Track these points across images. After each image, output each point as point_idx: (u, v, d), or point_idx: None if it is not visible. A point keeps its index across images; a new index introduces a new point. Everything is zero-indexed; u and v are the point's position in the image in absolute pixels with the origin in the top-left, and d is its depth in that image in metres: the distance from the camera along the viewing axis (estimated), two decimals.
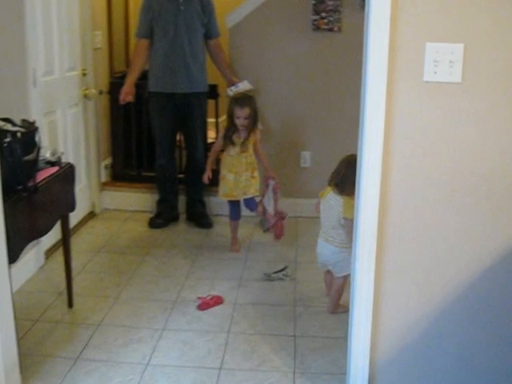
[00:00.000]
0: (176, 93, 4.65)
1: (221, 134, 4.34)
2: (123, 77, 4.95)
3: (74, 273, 3.60)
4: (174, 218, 5.00)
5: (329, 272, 3.60)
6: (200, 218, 4.95)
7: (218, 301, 3.62)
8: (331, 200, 3.39)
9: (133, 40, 5.32)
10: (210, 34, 4.72)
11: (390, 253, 2.45)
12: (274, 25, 4.89)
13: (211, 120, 5.23)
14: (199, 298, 3.64)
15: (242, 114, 4.17)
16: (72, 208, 3.35)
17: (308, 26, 4.86)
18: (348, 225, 3.18)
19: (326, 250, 3.47)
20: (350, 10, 4.82)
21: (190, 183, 5.00)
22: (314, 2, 4.79)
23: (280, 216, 4.38)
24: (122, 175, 5.36)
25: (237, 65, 4.97)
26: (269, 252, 4.43)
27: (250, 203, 4.40)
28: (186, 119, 4.78)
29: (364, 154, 2.37)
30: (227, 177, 4.30)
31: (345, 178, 3.27)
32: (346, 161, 3.34)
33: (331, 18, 4.83)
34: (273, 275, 3.98)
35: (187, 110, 4.73)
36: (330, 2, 4.79)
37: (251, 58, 4.98)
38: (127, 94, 4.66)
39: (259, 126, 4.62)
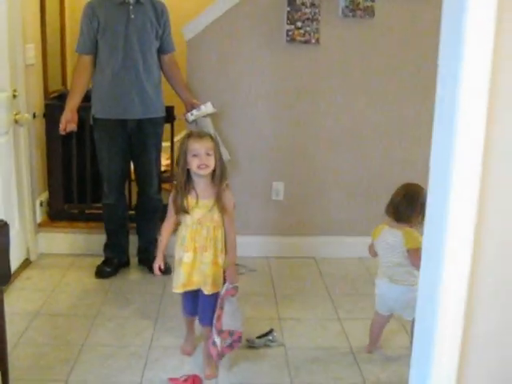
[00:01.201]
0: (128, 119, 3.89)
1: (171, 197, 2.96)
2: (60, 97, 4.16)
3: (8, 346, 2.76)
4: (125, 264, 4.22)
5: (381, 320, 3.26)
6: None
7: (195, 383, 2.87)
8: (388, 236, 3.08)
9: (70, 54, 4.53)
10: (164, 47, 3.97)
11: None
12: (240, 36, 4.19)
13: (165, 144, 4.44)
14: (171, 379, 2.89)
15: (201, 148, 2.81)
16: (5, 280, 2.53)
17: (281, 37, 4.18)
18: (412, 255, 2.96)
19: (393, 291, 3.10)
20: (329, 18, 4.18)
21: (142, 223, 4.24)
22: (288, 9, 4.11)
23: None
24: (61, 213, 4.51)
25: (196, 84, 4.24)
26: (245, 310, 3.65)
27: (206, 308, 2.99)
28: (138, 150, 4.00)
29: (448, 223, 1.62)
30: (184, 258, 2.91)
31: (402, 208, 3.03)
32: (404, 190, 3.10)
33: (308, 28, 4.16)
34: (257, 341, 3.27)
35: (141, 139, 3.97)
36: (307, 10, 4.12)
37: (213, 76, 4.25)
38: (69, 122, 3.84)
39: (225, 156, 3.92)
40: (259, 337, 3.30)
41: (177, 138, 4.55)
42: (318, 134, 4.38)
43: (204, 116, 4.02)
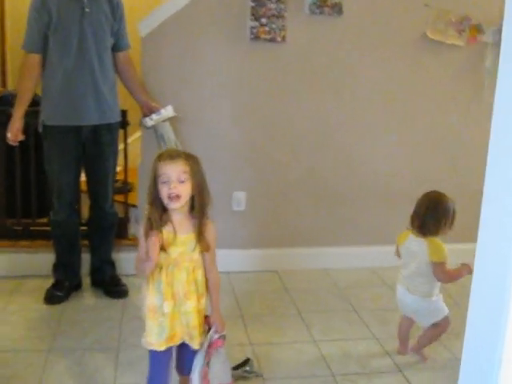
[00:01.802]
0: (82, 126, 3.48)
1: (142, 231, 2.35)
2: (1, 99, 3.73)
3: None
4: (77, 287, 3.81)
5: (405, 322, 3.25)
6: (111, 285, 3.80)
7: None
8: (412, 245, 3.03)
9: (12, 52, 4.08)
10: (119, 44, 3.57)
11: None
12: (201, 33, 3.86)
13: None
14: None
15: (171, 173, 2.25)
16: None
17: (245, 34, 3.88)
18: (437, 268, 2.93)
19: (407, 298, 3.10)
20: (296, 15, 3.90)
21: (96, 240, 3.84)
22: (252, 4, 3.80)
23: None
24: (2, 230, 4.06)
25: (151, 85, 3.87)
26: None
27: (191, 361, 2.46)
28: (94, 160, 3.60)
29: None
30: (162, 308, 2.35)
31: (427, 219, 2.97)
32: (427, 199, 3.03)
33: (274, 26, 3.86)
34: (233, 373, 2.94)
35: (97, 147, 3.56)
36: (273, 5, 3.82)
37: (170, 76, 3.90)
38: (18, 132, 3.42)
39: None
40: (235, 367, 2.98)
41: (131, 139, 4.20)
42: (283, 139, 4.10)
43: (164, 121, 3.66)
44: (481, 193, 1.57)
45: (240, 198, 4.13)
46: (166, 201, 2.27)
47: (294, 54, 3.96)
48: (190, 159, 2.33)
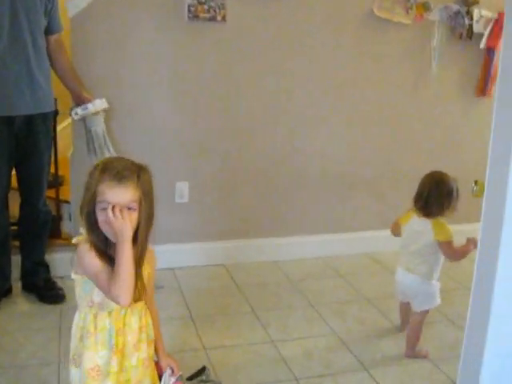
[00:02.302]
0: (15, 116, 3.12)
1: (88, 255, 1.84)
2: None
3: None
4: (7, 292, 3.46)
5: (403, 306, 3.24)
6: (45, 289, 3.47)
7: None
8: (416, 225, 3.01)
9: None
10: (51, 26, 3.21)
11: None
12: (134, 12, 3.54)
13: None
14: None
15: (119, 201, 1.77)
16: None
17: (182, 13, 3.59)
18: (445, 247, 2.92)
19: (406, 279, 3.05)
20: None
21: (28, 240, 3.49)
22: None
23: None
24: None
25: (82, 71, 3.51)
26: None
27: None
28: (27, 153, 3.24)
29: None
30: (109, 367, 1.86)
31: (430, 200, 2.95)
32: (430, 180, 3.00)
33: (212, 4, 3.59)
34: None
35: (31, 139, 3.21)
36: None
37: (102, 62, 3.57)
38: None
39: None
40: (190, 377, 2.71)
41: (61, 127, 3.86)
42: (225, 125, 3.85)
43: (94, 113, 3.34)
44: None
45: (183, 190, 3.86)
46: (104, 230, 1.80)
47: (235, 34, 3.69)
48: (142, 178, 1.82)
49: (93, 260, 1.79)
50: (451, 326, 3.39)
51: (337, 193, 4.21)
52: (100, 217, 1.78)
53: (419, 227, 2.99)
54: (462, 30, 4.06)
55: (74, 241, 1.88)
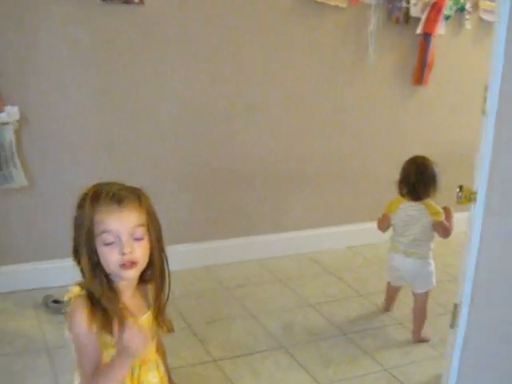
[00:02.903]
0: None
1: (75, 317, 1.48)
2: None
3: None
4: None
5: (394, 289, 3.33)
6: None
7: None
8: (408, 210, 3.06)
9: None
10: None
11: None
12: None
13: None
14: None
15: (122, 228, 1.47)
16: None
17: None
18: (438, 227, 3.01)
19: (406, 264, 3.09)
20: None
21: None
22: None
23: None
24: None
25: None
26: None
27: None
28: None
29: None
30: None
31: (418, 184, 3.02)
32: (414, 165, 3.06)
33: None
34: None
35: None
36: None
37: (4, 54, 3.10)
38: None
39: (20, 182, 2.97)
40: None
41: None
42: (149, 122, 3.47)
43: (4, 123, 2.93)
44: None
45: None
46: (114, 269, 1.48)
47: (155, 18, 3.31)
48: (143, 199, 1.53)
49: (82, 326, 1.45)
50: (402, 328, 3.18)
51: (278, 191, 3.92)
52: (107, 254, 1.46)
53: (412, 211, 3.04)
54: (399, 14, 3.83)
55: (65, 298, 1.52)
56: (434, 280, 3.10)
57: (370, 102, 4.02)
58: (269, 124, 3.77)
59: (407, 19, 3.86)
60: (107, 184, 1.52)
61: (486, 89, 2.21)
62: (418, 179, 3.02)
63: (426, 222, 3.02)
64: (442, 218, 2.98)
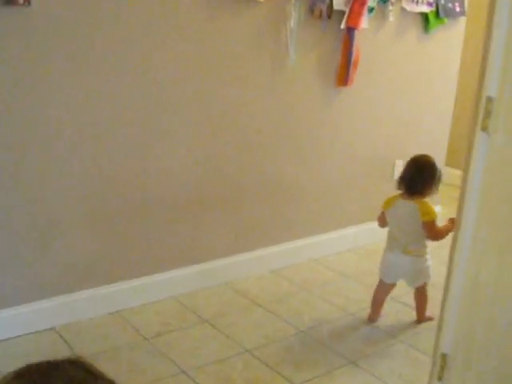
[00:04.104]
0: None
1: None
2: None
3: None
4: None
5: (387, 288, 3.23)
6: None
7: None
8: (402, 207, 3.07)
9: None
10: None
11: None
12: None
13: None
14: None
15: None
16: None
17: None
18: (428, 227, 3.03)
19: (403, 261, 3.11)
20: None
21: None
22: None
23: None
24: None
25: None
26: None
27: None
28: None
29: None
30: None
31: (415, 180, 3.04)
32: (414, 163, 3.09)
33: None
34: None
35: None
36: None
37: None
38: None
39: None
40: None
41: None
42: (49, 135, 2.83)
43: None
44: None
45: None
46: None
47: (43, 22, 2.67)
48: None
49: None
50: None
51: (185, 218, 3.36)
52: None
53: (407, 209, 3.05)
54: (322, 7, 3.38)
55: None
56: (430, 273, 3.14)
57: (291, 108, 3.56)
58: (175, 144, 3.21)
59: (330, 13, 3.43)
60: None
61: (487, 100, 1.77)
62: (414, 176, 3.05)
63: (417, 220, 3.03)
64: (434, 218, 3.01)
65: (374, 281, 3.25)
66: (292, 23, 3.31)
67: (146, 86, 3.01)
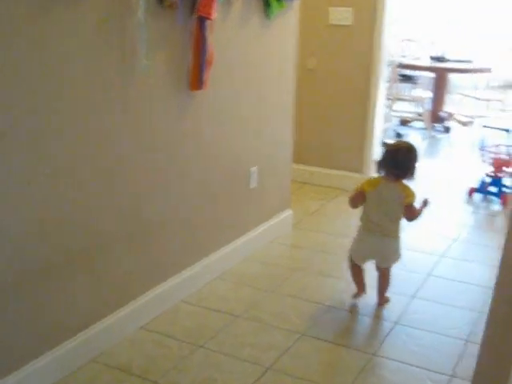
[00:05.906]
0: None
1: None
2: None
3: None
4: None
5: (361, 268, 3.32)
6: None
7: None
8: (385, 190, 3.10)
9: None
10: None
11: None
12: None
13: None
14: None
15: None
16: None
17: None
18: (409, 209, 3.11)
19: (384, 243, 3.19)
20: None
21: None
22: None
23: None
24: None
25: None
26: None
27: None
28: None
29: None
30: None
31: (400, 165, 3.08)
32: (393, 147, 3.23)
33: None
34: None
35: None
36: None
37: None
38: None
39: None
40: None
41: None
42: None
43: None
44: None
45: None
46: None
47: None
48: None
49: None
50: None
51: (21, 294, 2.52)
52: None
53: (392, 192, 3.09)
54: None
55: None
56: (400, 253, 3.23)
57: (144, 120, 2.85)
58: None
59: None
60: None
61: None
62: (403, 161, 3.08)
63: (399, 203, 3.10)
64: (415, 200, 3.09)
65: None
66: (140, 16, 2.61)
67: None
